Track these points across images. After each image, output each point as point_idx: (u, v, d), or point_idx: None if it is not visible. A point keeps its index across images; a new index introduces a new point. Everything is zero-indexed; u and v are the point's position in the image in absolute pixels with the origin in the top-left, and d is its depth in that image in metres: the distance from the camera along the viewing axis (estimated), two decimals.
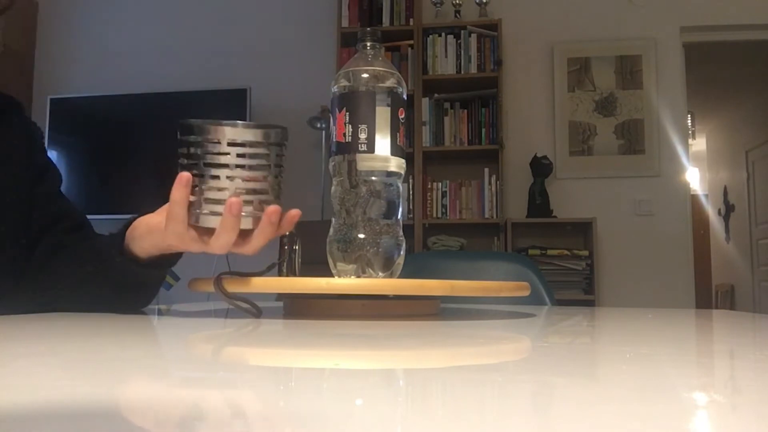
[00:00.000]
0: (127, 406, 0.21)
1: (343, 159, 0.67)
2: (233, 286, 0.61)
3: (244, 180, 0.60)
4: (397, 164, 0.68)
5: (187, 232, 0.60)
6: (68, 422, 0.19)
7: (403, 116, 0.69)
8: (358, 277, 0.65)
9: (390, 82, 0.68)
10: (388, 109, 0.67)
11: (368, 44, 0.70)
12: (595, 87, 3.39)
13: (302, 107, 3.41)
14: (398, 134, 0.68)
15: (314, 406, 0.22)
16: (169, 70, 3.67)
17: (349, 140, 0.67)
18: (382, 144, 0.67)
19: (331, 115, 0.70)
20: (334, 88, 0.69)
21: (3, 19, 0.75)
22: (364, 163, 0.66)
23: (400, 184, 0.69)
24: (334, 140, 0.68)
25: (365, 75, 0.68)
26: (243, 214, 0.59)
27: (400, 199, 0.69)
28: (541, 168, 3.21)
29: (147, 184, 3.38)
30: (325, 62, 3.48)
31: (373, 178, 0.67)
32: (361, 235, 0.66)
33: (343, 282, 0.61)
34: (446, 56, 3.27)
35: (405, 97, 0.70)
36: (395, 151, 0.68)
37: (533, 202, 3.21)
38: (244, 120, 3.28)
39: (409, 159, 3.14)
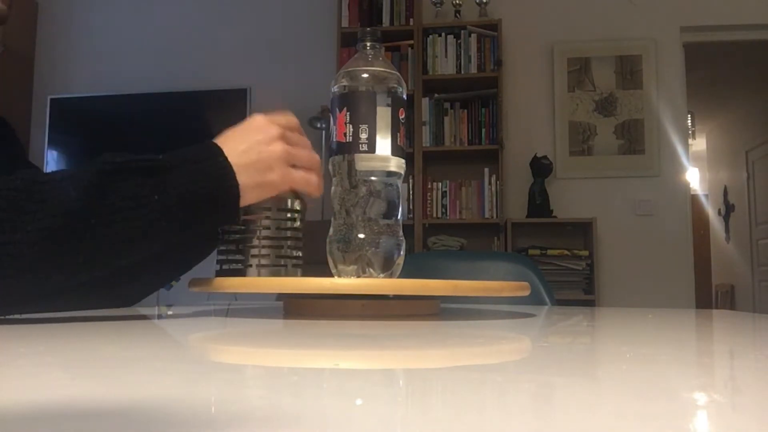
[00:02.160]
0: (126, 406, 0.21)
1: (343, 159, 0.67)
2: (234, 287, 0.61)
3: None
4: (397, 164, 0.68)
5: None
6: (68, 422, 0.19)
7: (403, 116, 0.69)
8: (358, 277, 0.65)
9: (390, 83, 0.68)
10: (389, 109, 0.67)
11: (368, 44, 0.70)
12: (595, 87, 3.39)
13: (302, 107, 3.41)
14: (398, 134, 0.68)
15: (314, 406, 0.22)
16: (169, 70, 3.67)
17: (350, 140, 0.67)
18: (383, 144, 0.67)
19: (331, 115, 0.70)
20: (334, 88, 0.69)
21: None
22: (364, 163, 0.66)
23: (400, 184, 0.69)
24: (335, 140, 0.68)
25: (365, 75, 0.68)
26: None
27: (400, 199, 0.69)
28: (541, 168, 3.21)
29: None
30: (325, 62, 3.48)
31: (373, 178, 0.67)
32: (361, 235, 0.66)
33: (343, 282, 0.61)
34: (446, 56, 3.27)
35: (405, 97, 0.70)
36: (396, 151, 0.68)
37: (533, 202, 3.21)
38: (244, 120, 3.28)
39: (409, 159, 3.14)
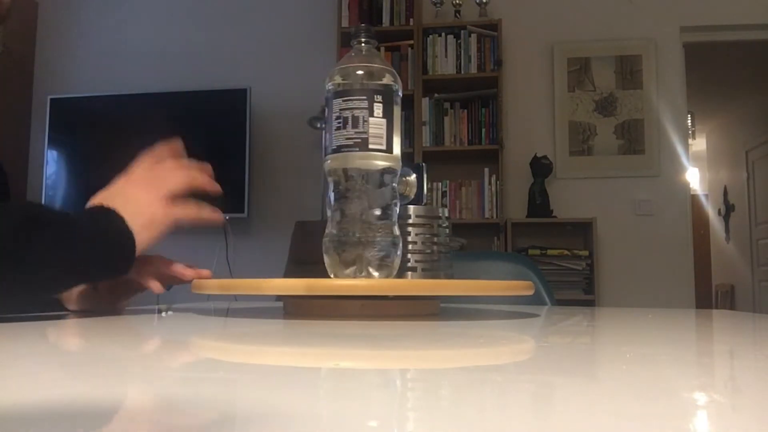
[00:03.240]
0: (126, 406, 0.21)
1: (337, 157, 0.66)
2: (235, 288, 0.61)
3: None
4: (392, 162, 0.67)
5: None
6: (68, 422, 0.19)
7: (399, 114, 0.68)
8: (354, 277, 0.65)
9: (385, 80, 0.67)
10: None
11: (363, 41, 0.69)
12: (595, 87, 3.39)
13: (302, 107, 3.41)
14: (394, 132, 0.68)
15: (314, 405, 0.22)
16: (169, 70, 3.67)
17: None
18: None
19: (325, 113, 0.70)
20: (329, 85, 0.68)
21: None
22: (359, 161, 0.66)
23: (395, 183, 0.69)
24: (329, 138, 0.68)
25: (360, 72, 0.67)
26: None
27: (396, 198, 0.69)
28: (541, 168, 3.21)
29: None
30: (325, 62, 3.48)
31: (369, 176, 0.66)
32: (357, 235, 0.65)
33: (343, 283, 0.61)
34: (446, 56, 3.27)
35: (400, 94, 0.69)
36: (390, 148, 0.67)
37: (533, 202, 3.21)
38: (244, 121, 3.29)
39: (409, 159, 3.14)
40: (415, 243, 0.73)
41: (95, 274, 0.63)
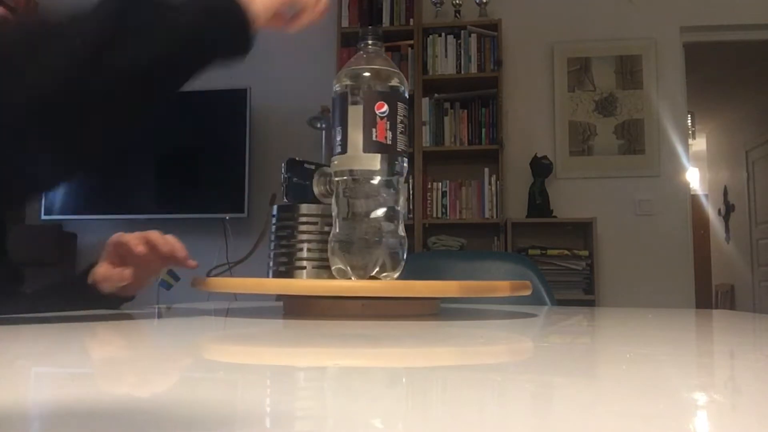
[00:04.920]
0: (127, 406, 0.21)
1: (345, 159, 0.66)
2: (235, 287, 0.61)
3: None
4: (398, 163, 0.68)
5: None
6: (68, 422, 0.19)
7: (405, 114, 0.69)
8: (359, 278, 0.65)
9: (393, 81, 0.68)
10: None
11: (370, 42, 0.70)
12: (595, 87, 3.39)
13: (302, 107, 3.40)
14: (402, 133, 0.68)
15: (314, 405, 0.22)
16: None
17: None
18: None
19: (332, 114, 0.70)
20: (336, 87, 0.68)
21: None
22: (366, 162, 0.66)
23: (401, 184, 0.69)
24: (335, 140, 0.68)
25: (367, 74, 0.67)
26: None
27: (402, 199, 0.69)
28: (541, 168, 3.21)
29: (147, 184, 3.38)
30: (325, 62, 3.48)
31: (375, 177, 0.66)
32: (363, 236, 0.66)
33: (343, 284, 0.61)
34: (446, 56, 3.27)
35: (407, 95, 0.69)
36: (399, 150, 0.67)
37: (533, 202, 3.21)
38: (244, 121, 3.29)
39: (409, 159, 3.13)
40: (307, 241, 0.74)
41: (212, 51, 0.64)
